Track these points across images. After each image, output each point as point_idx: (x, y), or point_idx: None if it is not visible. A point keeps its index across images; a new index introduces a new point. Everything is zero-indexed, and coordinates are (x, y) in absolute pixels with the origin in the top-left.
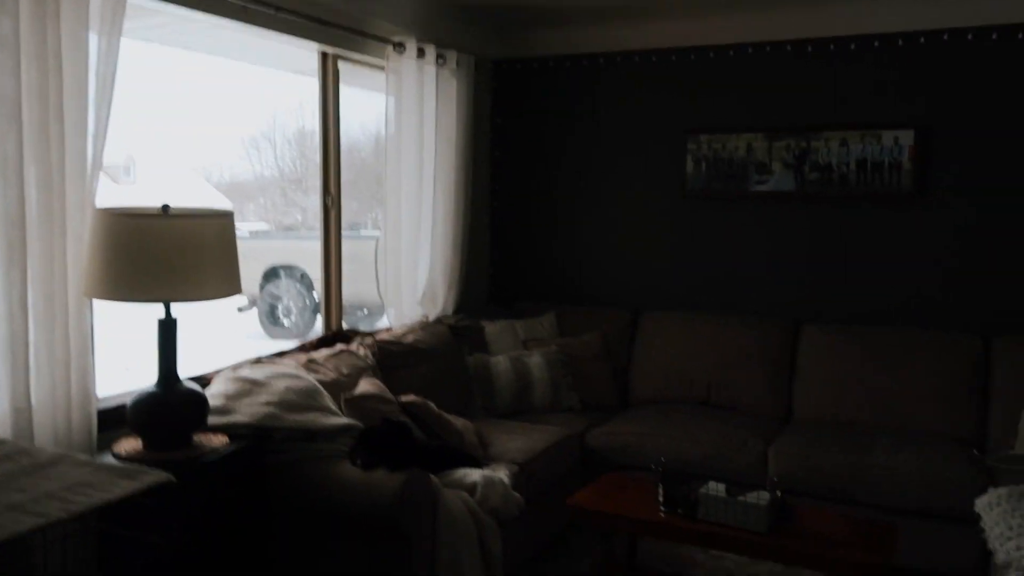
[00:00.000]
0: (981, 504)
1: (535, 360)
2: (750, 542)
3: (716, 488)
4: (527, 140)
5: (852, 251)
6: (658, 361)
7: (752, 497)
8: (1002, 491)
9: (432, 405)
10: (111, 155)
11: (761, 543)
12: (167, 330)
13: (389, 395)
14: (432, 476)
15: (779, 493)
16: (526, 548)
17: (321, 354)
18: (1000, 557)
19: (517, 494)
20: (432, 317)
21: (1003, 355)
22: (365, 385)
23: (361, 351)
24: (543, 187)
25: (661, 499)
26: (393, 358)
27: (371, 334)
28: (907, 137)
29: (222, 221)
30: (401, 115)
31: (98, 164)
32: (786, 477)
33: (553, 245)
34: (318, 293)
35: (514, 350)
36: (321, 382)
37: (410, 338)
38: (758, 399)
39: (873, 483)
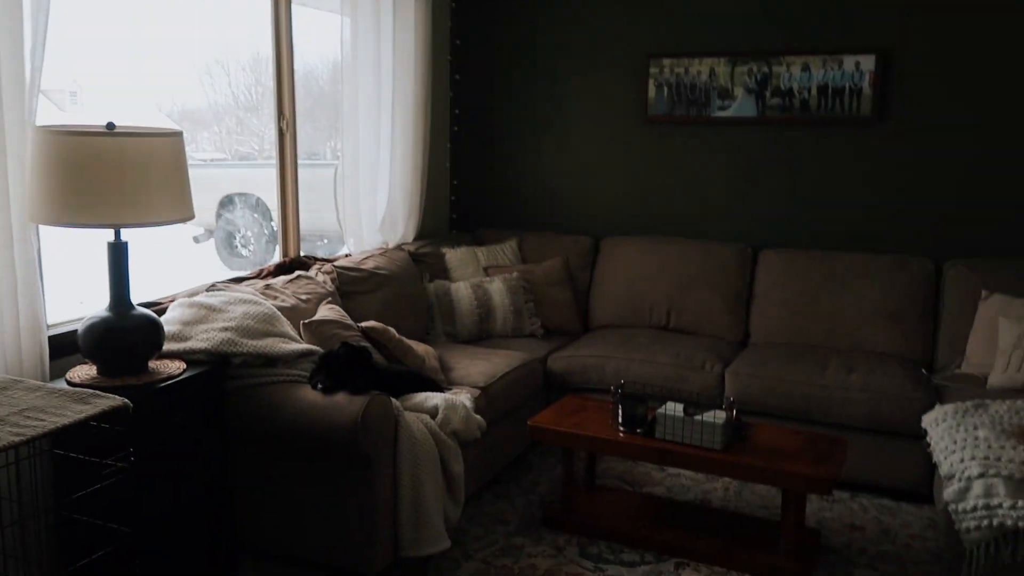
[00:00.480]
0: (928, 420)
1: (496, 286)
2: (706, 459)
3: (674, 408)
4: (488, 63)
5: (812, 176)
6: (619, 286)
7: (708, 416)
8: (948, 408)
9: (392, 331)
10: (56, 80)
11: (716, 460)
12: (117, 253)
13: (349, 320)
14: (393, 399)
15: (735, 412)
16: (488, 469)
17: (279, 280)
18: (944, 469)
19: (479, 417)
20: (392, 244)
21: (953, 279)
22: (324, 311)
23: (320, 277)
24: (504, 111)
25: (620, 419)
26: (353, 284)
27: (330, 260)
28: (868, 63)
29: (171, 140)
30: (357, 36)
31: (37, 81)
32: (742, 397)
33: (515, 171)
34: (277, 223)
35: (475, 276)
36: (279, 308)
37: (370, 264)
38: (717, 323)
39: (826, 402)
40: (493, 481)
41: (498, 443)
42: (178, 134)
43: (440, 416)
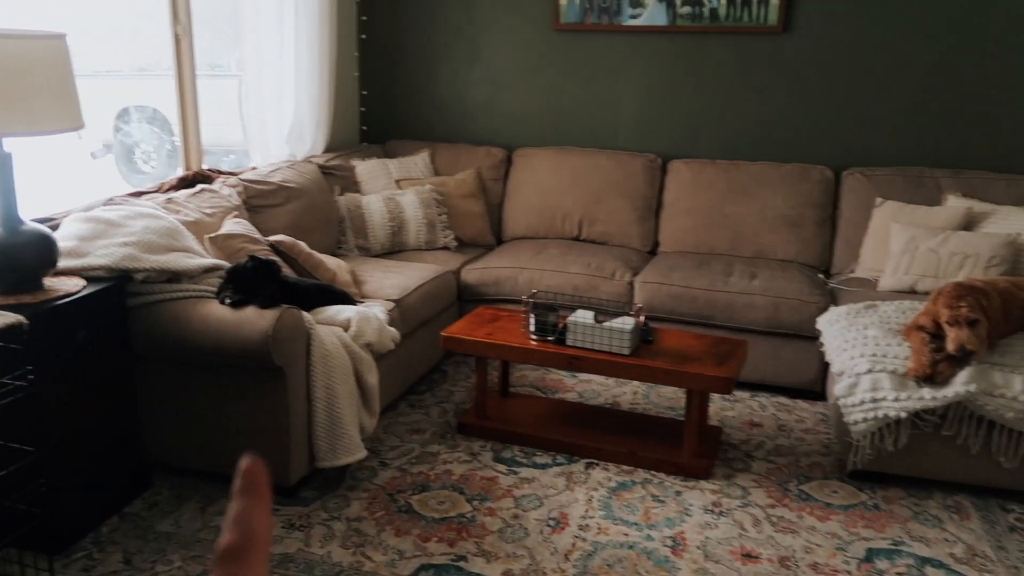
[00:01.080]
0: (822, 321)
1: (409, 199)
2: (614, 364)
3: (584, 316)
4: None
5: (720, 87)
6: (531, 198)
7: (617, 323)
8: (841, 309)
9: (303, 244)
10: None
11: (624, 364)
12: (1, 165)
13: (257, 234)
14: (305, 313)
15: (643, 319)
16: (404, 380)
17: (181, 195)
18: (835, 366)
19: (392, 329)
20: (301, 157)
21: (850, 187)
22: (230, 224)
23: (225, 191)
24: (413, 19)
25: (532, 328)
26: (260, 197)
27: (235, 174)
28: None
29: (53, 44)
30: None
31: None
32: (651, 304)
33: (425, 81)
34: (179, 137)
35: (387, 189)
36: (183, 222)
37: (277, 177)
38: (627, 233)
39: (729, 307)
40: (409, 392)
41: (413, 354)
42: (60, 37)
43: (353, 329)
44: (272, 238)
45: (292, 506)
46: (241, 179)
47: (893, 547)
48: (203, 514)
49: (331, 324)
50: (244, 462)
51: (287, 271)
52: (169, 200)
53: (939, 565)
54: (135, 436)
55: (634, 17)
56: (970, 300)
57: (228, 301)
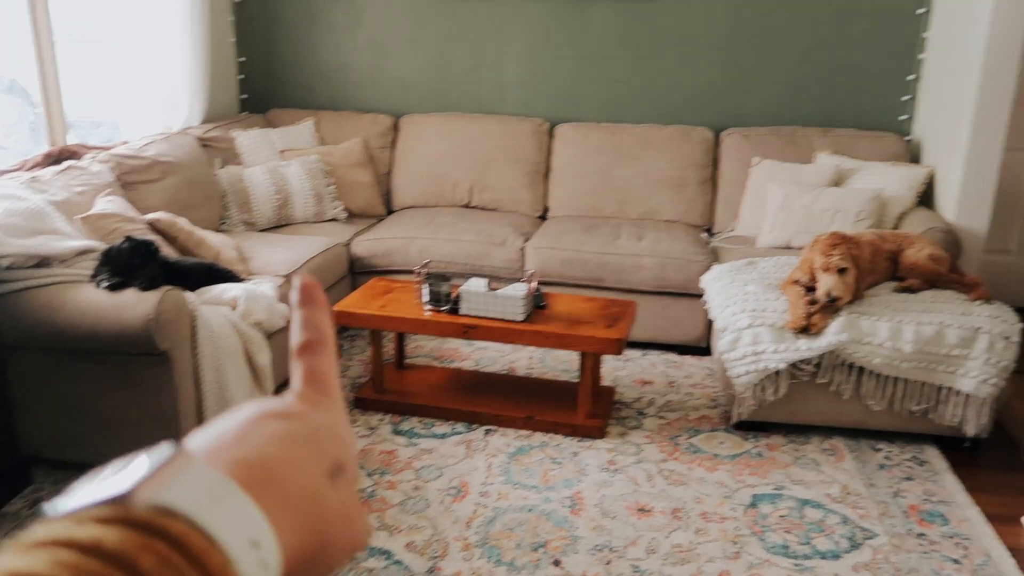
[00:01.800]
0: (706, 280)
1: (294, 170)
2: (508, 331)
3: (477, 284)
4: None
5: (603, 50)
6: (420, 166)
7: (510, 290)
8: (723, 267)
9: (183, 221)
10: None
11: (518, 330)
12: None
13: (133, 213)
14: (188, 293)
15: (535, 284)
16: None
17: (47, 172)
18: (719, 323)
19: (283, 305)
20: (176, 129)
21: (729, 147)
22: (103, 203)
23: (95, 167)
24: None
25: (426, 298)
26: (134, 173)
27: (106, 148)
28: None
29: None
30: None
31: None
32: (543, 269)
33: (306, 47)
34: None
35: (271, 160)
36: (50, 203)
37: (152, 151)
38: (517, 198)
39: (618, 269)
40: None
41: None
42: None
43: (241, 307)
44: (149, 216)
45: None
46: (113, 154)
47: (776, 491)
48: None
49: (217, 304)
50: (302, 279)
51: (167, 250)
52: (34, 179)
53: (817, 505)
54: (9, 430)
55: None
56: (842, 249)
57: (105, 284)
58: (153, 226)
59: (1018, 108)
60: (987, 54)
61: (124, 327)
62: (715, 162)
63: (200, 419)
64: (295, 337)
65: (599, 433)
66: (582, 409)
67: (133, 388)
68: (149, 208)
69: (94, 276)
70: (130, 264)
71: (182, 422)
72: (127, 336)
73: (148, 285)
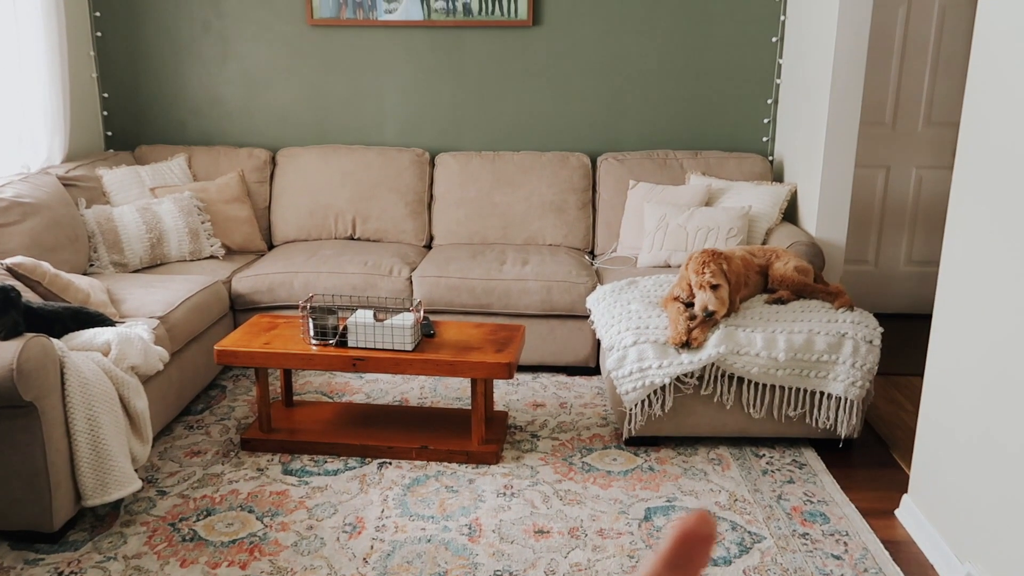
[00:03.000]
0: (591, 300)
1: (166, 207)
2: (398, 361)
3: (364, 315)
4: None
5: (479, 80)
6: (300, 199)
7: (398, 320)
8: (607, 288)
9: (46, 265)
10: None
11: (408, 361)
12: None
13: None
14: (55, 340)
15: (422, 313)
16: (178, 400)
17: None
18: (605, 342)
19: (159, 348)
20: (36, 168)
21: (606, 171)
22: None
23: None
24: (153, 14)
25: (311, 332)
26: None
27: None
28: None
29: None
30: None
31: None
32: (430, 298)
33: (175, 80)
34: None
35: (141, 199)
36: None
37: (9, 192)
38: (402, 228)
39: (505, 294)
40: (185, 412)
41: (187, 372)
42: None
43: (114, 352)
44: (9, 260)
45: (59, 552)
46: None
47: (668, 503)
48: None
49: (88, 349)
50: (688, 521)
51: (30, 296)
52: None
53: None
54: None
55: (389, 12)
56: (713, 267)
57: None
58: (13, 271)
59: (865, 128)
60: (834, 78)
61: None
62: (593, 186)
63: (73, 471)
64: None
65: (494, 459)
66: (476, 436)
67: None
68: (8, 252)
69: None
70: None
71: (52, 476)
72: None
73: (8, 334)
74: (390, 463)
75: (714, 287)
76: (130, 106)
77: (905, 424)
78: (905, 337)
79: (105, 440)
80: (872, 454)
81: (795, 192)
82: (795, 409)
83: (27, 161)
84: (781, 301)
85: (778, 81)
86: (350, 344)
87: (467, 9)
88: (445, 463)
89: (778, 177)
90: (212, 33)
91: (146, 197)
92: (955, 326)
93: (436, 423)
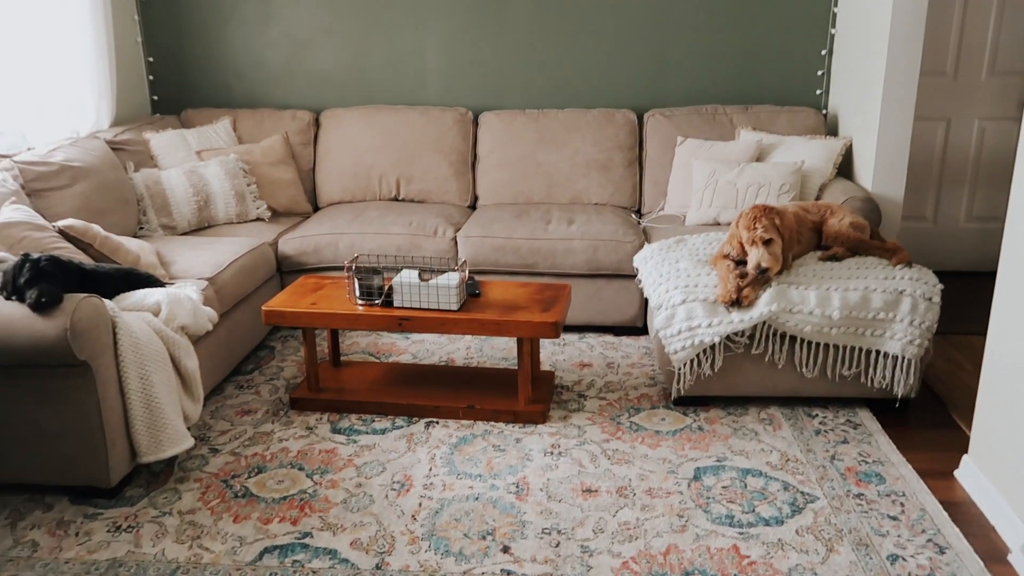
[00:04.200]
0: (638, 259)
1: (212, 170)
2: (443, 320)
3: (409, 275)
4: None
5: (522, 37)
6: (345, 160)
7: (443, 280)
8: (654, 246)
9: (96, 228)
10: None
11: (453, 320)
12: None
13: (42, 221)
14: (106, 300)
15: (467, 273)
16: (228, 360)
17: None
18: (653, 301)
19: (208, 308)
20: (84, 133)
21: (652, 128)
22: (8, 212)
23: None
24: None
25: (357, 293)
26: (41, 180)
27: (8, 156)
28: None
29: None
30: None
31: None
32: (475, 258)
33: (218, 43)
34: None
35: (187, 162)
36: None
37: (59, 156)
38: (446, 189)
39: (550, 254)
40: (235, 372)
41: (235, 333)
42: None
43: (164, 312)
44: (61, 223)
45: (116, 508)
46: (16, 161)
47: (718, 463)
48: (14, 530)
49: (139, 310)
50: None
51: (83, 257)
52: None
53: (759, 474)
54: None
55: None
56: (765, 222)
57: (13, 298)
58: (65, 233)
59: (925, 79)
60: (892, 27)
61: (39, 338)
62: (640, 143)
63: (128, 428)
64: None
65: (541, 418)
66: (522, 395)
67: (52, 402)
68: (60, 215)
69: (1, 289)
70: (42, 275)
71: (108, 434)
72: (43, 348)
73: (39, 303)
74: (437, 422)
75: (766, 242)
76: (175, 70)
77: (964, 384)
78: (965, 295)
79: (158, 398)
80: (930, 414)
81: (850, 146)
82: (850, 368)
83: (76, 126)
84: (836, 258)
85: (833, 31)
86: (395, 304)
87: None
88: (492, 423)
89: (832, 131)
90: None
91: (192, 160)
92: (1021, 283)
93: (482, 383)
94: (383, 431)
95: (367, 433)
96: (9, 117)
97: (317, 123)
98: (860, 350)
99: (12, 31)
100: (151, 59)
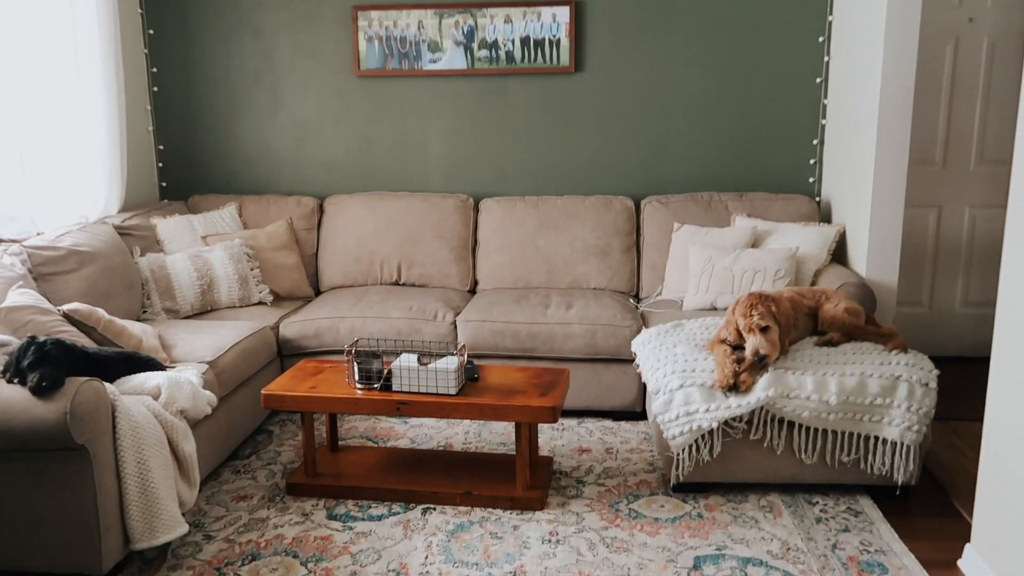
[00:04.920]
0: (636, 344)
1: (217, 255)
2: (442, 405)
3: (408, 360)
4: (184, 17)
5: (522, 126)
6: (347, 245)
7: (442, 364)
8: (652, 331)
9: (100, 312)
10: None
11: (452, 405)
12: None
13: (47, 304)
14: (106, 384)
15: (466, 357)
16: (226, 444)
17: None
18: (651, 385)
19: (208, 392)
20: (93, 218)
21: (650, 214)
22: (15, 296)
23: (6, 260)
24: (209, 69)
25: (356, 377)
26: (48, 264)
27: (17, 241)
28: (564, 14)
29: None
30: None
31: None
32: (474, 342)
33: (226, 132)
34: None
35: (193, 246)
36: None
37: (67, 241)
38: (446, 273)
39: (549, 338)
40: (232, 457)
41: (234, 417)
42: None
43: (164, 396)
44: (66, 307)
45: None
46: (25, 246)
47: (718, 552)
48: None
49: (139, 393)
50: None
51: (86, 341)
52: None
53: (759, 563)
54: None
55: (434, 62)
56: (761, 309)
57: (15, 380)
58: (69, 317)
59: (915, 167)
60: (880, 117)
61: (38, 422)
62: (637, 229)
63: (122, 514)
64: None
65: (539, 504)
66: (520, 481)
67: (50, 486)
68: (66, 299)
69: (4, 372)
70: (45, 359)
71: (102, 519)
72: (42, 431)
73: (40, 387)
74: (434, 508)
75: (763, 329)
76: (184, 157)
77: (966, 470)
78: (963, 380)
79: (154, 483)
80: (931, 502)
81: (843, 233)
82: (849, 454)
83: (86, 211)
84: (832, 343)
85: (823, 121)
86: (395, 388)
87: (510, 57)
88: (489, 509)
89: (825, 218)
90: (263, 85)
91: (198, 245)
92: (1016, 368)
93: (480, 468)
94: (379, 517)
95: (363, 519)
96: (21, 202)
97: (321, 209)
98: (859, 436)
99: (28, 118)
100: (161, 147)
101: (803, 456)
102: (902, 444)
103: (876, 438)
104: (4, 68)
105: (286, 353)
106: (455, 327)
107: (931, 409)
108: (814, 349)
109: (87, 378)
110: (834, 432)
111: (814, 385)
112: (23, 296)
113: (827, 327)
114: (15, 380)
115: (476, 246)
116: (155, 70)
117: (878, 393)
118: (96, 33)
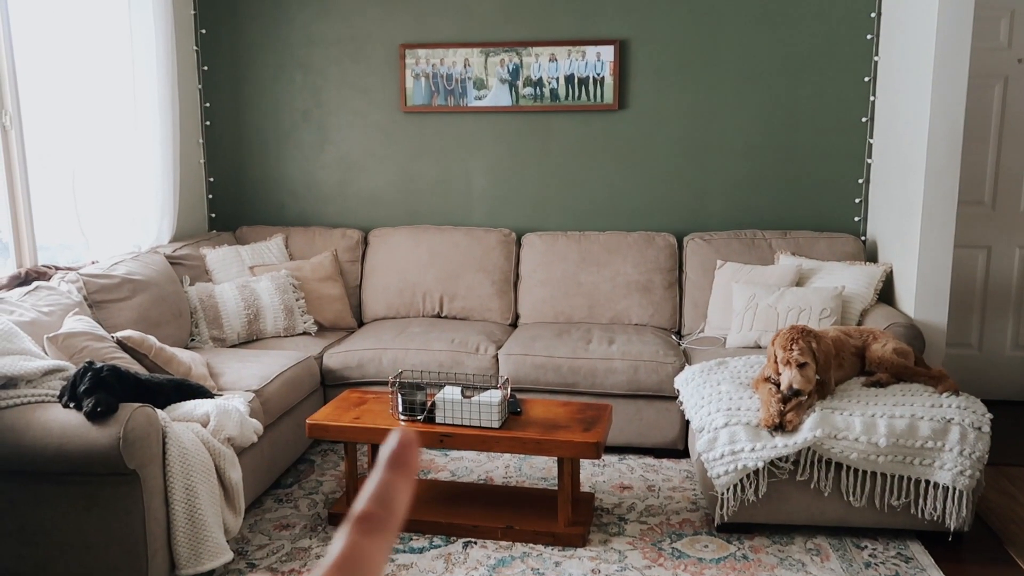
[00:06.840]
0: (679, 381)
1: (264, 285)
2: (485, 438)
3: (451, 392)
4: (238, 54)
5: (566, 162)
6: (390, 278)
7: (485, 397)
8: (695, 368)
9: (152, 339)
10: None
11: (494, 438)
12: None
13: (101, 332)
14: (159, 411)
15: (509, 391)
16: (269, 473)
17: (14, 294)
18: (695, 423)
19: (254, 420)
20: (146, 248)
21: (693, 251)
22: (71, 323)
23: (63, 287)
24: (260, 104)
25: (399, 408)
26: (103, 292)
27: (74, 269)
28: (608, 53)
29: None
30: (89, 22)
31: None
32: (516, 376)
33: (275, 165)
34: (8, 231)
35: (240, 277)
36: (17, 323)
37: (121, 270)
38: (488, 307)
39: (591, 373)
40: (275, 485)
41: (278, 446)
42: None
43: (212, 423)
44: (119, 334)
45: None
46: (81, 274)
47: None
48: None
49: (188, 420)
50: (400, 436)
51: (138, 368)
52: (0, 300)
53: None
54: None
55: (479, 99)
56: (802, 344)
57: (72, 405)
58: (122, 344)
59: (964, 208)
60: (929, 158)
61: (92, 447)
62: (680, 266)
63: (169, 540)
64: (358, 500)
65: (581, 541)
66: (562, 517)
67: (98, 510)
68: (118, 326)
69: (61, 396)
70: (100, 384)
71: (150, 544)
72: (95, 456)
73: (95, 412)
74: (475, 542)
75: (800, 365)
76: (233, 189)
77: (1020, 517)
78: (1015, 425)
79: (201, 510)
80: (985, 549)
81: (890, 272)
82: (899, 498)
83: (138, 241)
84: (880, 384)
85: (869, 161)
86: (438, 420)
87: (554, 95)
88: (531, 544)
89: (871, 257)
90: (312, 122)
91: (245, 275)
92: None
93: (521, 503)
94: (421, 550)
95: (404, 552)
96: (77, 231)
97: (366, 241)
98: (909, 479)
99: (86, 149)
100: (211, 179)
101: (851, 499)
102: (954, 489)
103: (927, 482)
104: (65, 100)
105: (329, 383)
106: (497, 360)
107: (984, 454)
108: (862, 389)
109: (140, 404)
110: (883, 475)
111: (863, 426)
112: (79, 323)
113: (875, 367)
114: (71, 405)
115: (518, 280)
116: (208, 104)
117: (929, 436)
118: (154, 67)
